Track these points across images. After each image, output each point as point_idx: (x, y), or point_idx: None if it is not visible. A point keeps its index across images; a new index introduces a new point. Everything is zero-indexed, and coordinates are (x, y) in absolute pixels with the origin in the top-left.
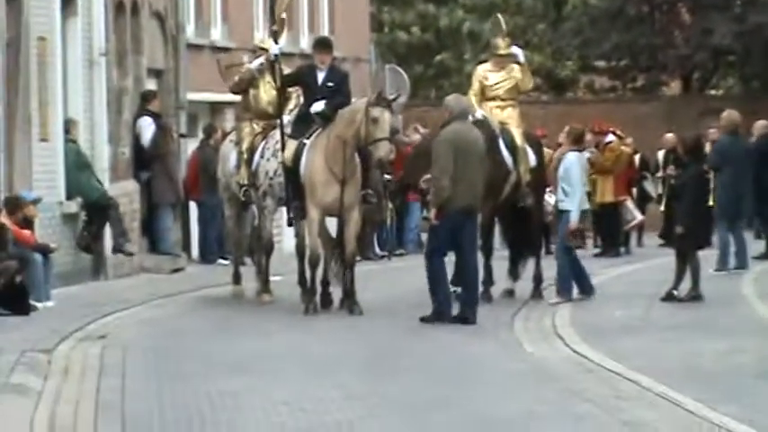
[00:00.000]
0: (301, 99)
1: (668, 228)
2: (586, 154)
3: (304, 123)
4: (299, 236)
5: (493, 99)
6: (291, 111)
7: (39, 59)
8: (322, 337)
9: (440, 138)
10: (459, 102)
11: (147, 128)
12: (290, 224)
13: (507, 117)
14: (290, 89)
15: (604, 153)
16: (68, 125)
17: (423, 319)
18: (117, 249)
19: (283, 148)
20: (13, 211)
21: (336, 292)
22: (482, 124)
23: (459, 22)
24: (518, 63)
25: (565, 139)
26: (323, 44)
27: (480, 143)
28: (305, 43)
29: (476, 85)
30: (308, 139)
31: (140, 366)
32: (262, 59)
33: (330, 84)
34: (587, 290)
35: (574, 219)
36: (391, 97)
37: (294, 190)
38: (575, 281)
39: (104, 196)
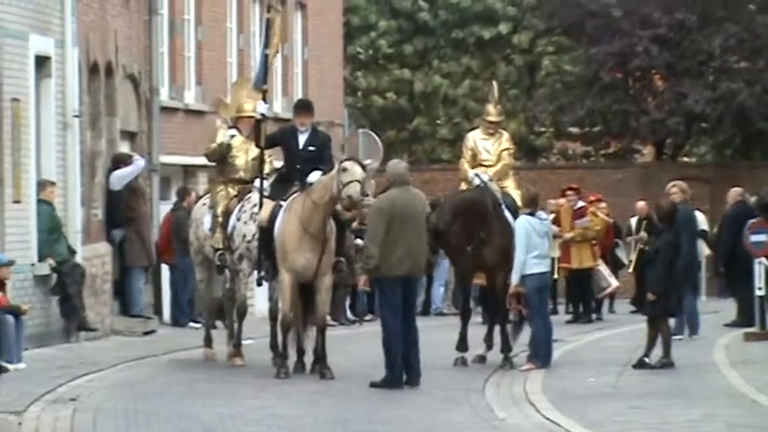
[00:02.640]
0: (275, 164)
1: (640, 294)
2: (549, 217)
3: (283, 185)
4: (273, 299)
5: (486, 166)
6: (268, 175)
7: (12, 121)
8: (293, 401)
9: (373, 205)
10: (396, 168)
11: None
12: (259, 284)
13: (502, 182)
14: (268, 152)
15: (589, 217)
16: (42, 186)
17: (373, 385)
18: (81, 327)
19: (260, 208)
20: None
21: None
22: (484, 191)
23: (435, 87)
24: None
25: (520, 202)
26: (303, 106)
27: (421, 209)
28: (278, 107)
29: (467, 153)
30: (284, 200)
31: (111, 429)
32: (233, 131)
33: (311, 147)
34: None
35: (513, 282)
36: (365, 162)
37: (267, 251)
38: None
39: (69, 264)
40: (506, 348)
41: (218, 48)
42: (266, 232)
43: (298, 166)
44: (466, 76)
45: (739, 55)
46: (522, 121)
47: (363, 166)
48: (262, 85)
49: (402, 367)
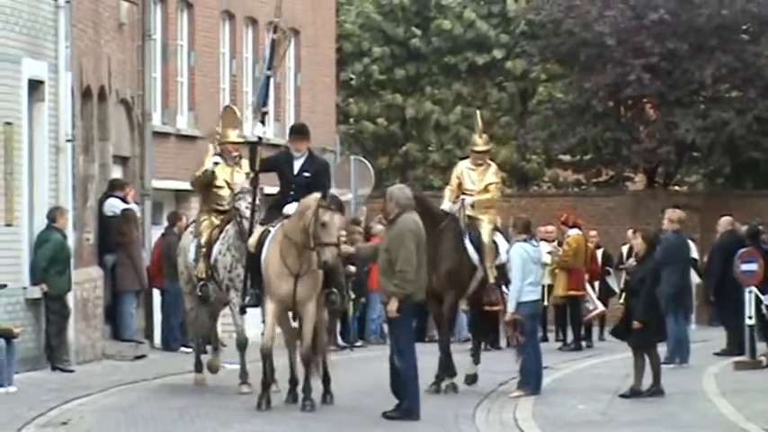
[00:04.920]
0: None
1: (625, 322)
2: (540, 244)
3: (276, 211)
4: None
5: (471, 195)
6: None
7: (5, 144)
8: (284, 426)
9: (403, 229)
10: (405, 193)
11: (118, 208)
12: (242, 312)
13: (481, 213)
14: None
15: (563, 247)
16: (54, 213)
17: (387, 416)
18: (56, 367)
19: (250, 233)
20: None
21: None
22: (452, 219)
23: (426, 113)
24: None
25: (512, 229)
26: (299, 131)
27: (424, 234)
28: (270, 133)
29: (454, 181)
30: (272, 227)
31: None
32: (217, 158)
33: (306, 173)
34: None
35: (509, 310)
36: (343, 197)
37: (254, 277)
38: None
39: (59, 303)
40: (450, 374)
41: (210, 73)
42: (254, 258)
43: (291, 193)
44: (458, 102)
45: (731, 84)
46: (513, 148)
47: (342, 211)
48: (262, 107)
49: (419, 395)
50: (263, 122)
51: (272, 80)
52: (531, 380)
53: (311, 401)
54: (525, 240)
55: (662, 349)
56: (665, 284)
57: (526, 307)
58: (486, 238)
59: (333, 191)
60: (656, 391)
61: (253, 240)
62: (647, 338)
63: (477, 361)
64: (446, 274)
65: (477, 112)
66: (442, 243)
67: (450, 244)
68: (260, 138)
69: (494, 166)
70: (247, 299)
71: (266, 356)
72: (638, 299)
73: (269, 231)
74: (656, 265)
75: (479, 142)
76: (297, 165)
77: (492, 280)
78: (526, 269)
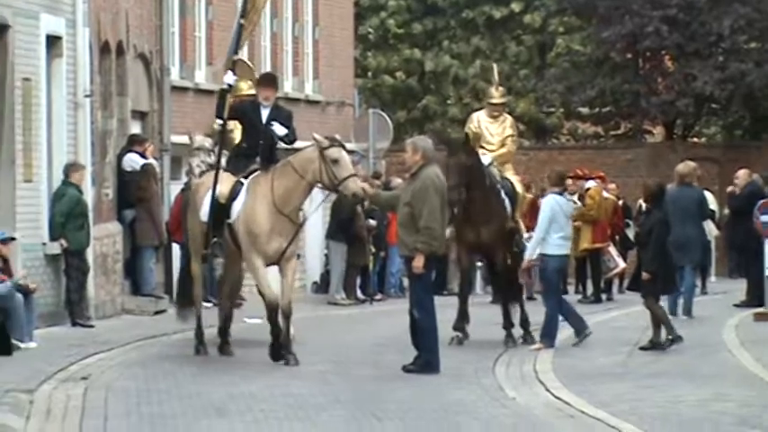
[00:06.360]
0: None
1: (635, 274)
2: (568, 198)
3: (243, 160)
4: (221, 277)
5: (488, 150)
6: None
7: (23, 100)
8: (305, 380)
9: (427, 183)
10: (429, 144)
11: (137, 163)
12: (204, 261)
13: (502, 168)
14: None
15: (586, 200)
16: (69, 169)
17: (407, 369)
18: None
19: (215, 183)
20: None
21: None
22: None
23: (445, 67)
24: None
25: (546, 180)
26: (268, 80)
27: (445, 186)
28: (288, 87)
29: (470, 134)
30: (245, 178)
31: (122, 408)
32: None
33: (274, 122)
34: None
35: (526, 257)
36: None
37: (219, 228)
38: (568, 321)
39: (78, 257)
40: (508, 324)
41: (228, 27)
42: (222, 209)
43: (261, 142)
44: (476, 56)
45: (749, 35)
46: (531, 100)
47: (346, 148)
48: (233, 55)
49: (438, 349)
50: (232, 71)
51: (248, 27)
52: (553, 333)
53: (293, 355)
54: (559, 193)
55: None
56: (673, 236)
57: (554, 260)
58: (519, 188)
59: (352, 145)
60: (675, 337)
61: (225, 190)
62: (653, 289)
63: (509, 324)
64: (498, 230)
65: (494, 65)
66: (492, 198)
67: (498, 199)
68: (229, 85)
69: (510, 119)
70: (210, 250)
71: (274, 309)
72: (646, 250)
73: (241, 183)
74: (663, 216)
75: (496, 95)
76: (265, 113)
77: (524, 232)
78: (557, 222)
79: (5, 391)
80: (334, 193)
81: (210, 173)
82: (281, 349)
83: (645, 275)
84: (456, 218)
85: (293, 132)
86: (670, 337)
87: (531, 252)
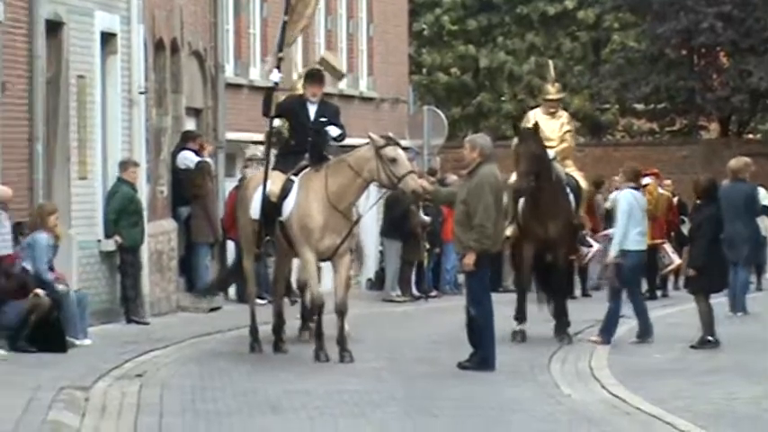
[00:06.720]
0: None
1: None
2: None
3: (292, 158)
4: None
5: (548, 146)
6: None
7: (78, 98)
8: (360, 377)
9: (483, 181)
10: (488, 142)
11: (191, 161)
12: (257, 259)
13: (563, 163)
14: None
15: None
16: (123, 166)
17: (462, 366)
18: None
19: (266, 181)
20: None
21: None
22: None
23: (499, 63)
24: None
25: (621, 176)
26: (314, 76)
27: (503, 184)
28: (343, 84)
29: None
30: (295, 175)
31: (177, 405)
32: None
33: (323, 118)
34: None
35: (610, 255)
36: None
37: (271, 226)
38: (638, 320)
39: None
40: (565, 323)
41: None
42: (274, 207)
43: (309, 139)
44: (530, 52)
45: None
46: (586, 97)
47: (402, 146)
48: (277, 53)
49: (494, 346)
50: (278, 68)
51: (293, 26)
52: (611, 329)
53: (349, 352)
54: (635, 188)
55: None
56: (725, 233)
57: (633, 256)
58: (584, 184)
59: (406, 142)
60: (706, 341)
61: (276, 189)
62: (704, 286)
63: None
64: (564, 226)
65: (550, 61)
66: (558, 192)
67: (564, 194)
68: (276, 83)
69: (566, 115)
70: (263, 249)
71: (320, 307)
72: (695, 246)
73: (292, 180)
74: (714, 212)
75: (552, 91)
76: (312, 110)
77: (586, 229)
78: (634, 217)
79: (61, 388)
80: (392, 190)
81: (259, 170)
82: (320, 350)
83: (690, 271)
84: (523, 211)
85: (342, 128)
86: (705, 338)
87: (615, 249)
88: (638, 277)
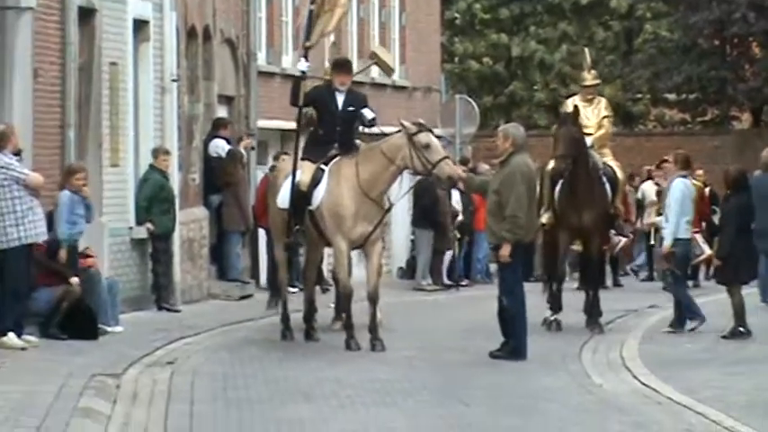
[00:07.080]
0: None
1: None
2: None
3: (321, 147)
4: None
5: (586, 133)
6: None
7: (110, 85)
8: (391, 365)
9: (515, 171)
10: (521, 132)
11: (223, 149)
12: (287, 249)
13: (600, 151)
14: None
15: None
16: (155, 154)
17: (494, 356)
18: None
19: (294, 171)
20: None
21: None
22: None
23: (531, 52)
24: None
25: (673, 164)
26: (343, 65)
27: (535, 173)
28: (375, 73)
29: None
30: (325, 164)
31: (209, 393)
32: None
33: (351, 107)
34: (681, 322)
35: (665, 244)
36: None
37: (301, 215)
38: (676, 308)
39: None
40: (597, 313)
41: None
42: (303, 196)
43: (338, 128)
44: (563, 41)
45: None
46: (618, 86)
47: (434, 132)
48: (305, 42)
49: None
50: (305, 57)
51: (322, 14)
52: (695, 309)
53: (380, 341)
54: (685, 176)
55: None
56: (756, 223)
57: (682, 244)
58: (620, 174)
59: (438, 130)
60: (737, 332)
61: (306, 178)
62: (733, 276)
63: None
64: (600, 215)
65: (586, 49)
66: (595, 180)
67: (600, 182)
68: (303, 72)
69: (604, 101)
70: (293, 238)
71: (349, 297)
72: (723, 236)
73: (322, 170)
74: (744, 202)
75: (588, 77)
76: (341, 99)
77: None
78: (685, 206)
79: (92, 375)
80: (427, 177)
81: (288, 159)
82: (351, 339)
83: (716, 262)
84: (559, 199)
85: (374, 113)
86: (740, 328)
87: (670, 239)
88: (684, 266)
